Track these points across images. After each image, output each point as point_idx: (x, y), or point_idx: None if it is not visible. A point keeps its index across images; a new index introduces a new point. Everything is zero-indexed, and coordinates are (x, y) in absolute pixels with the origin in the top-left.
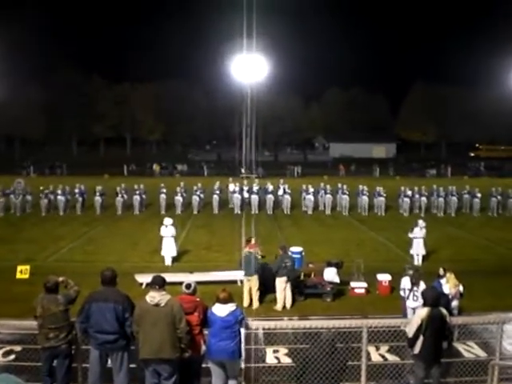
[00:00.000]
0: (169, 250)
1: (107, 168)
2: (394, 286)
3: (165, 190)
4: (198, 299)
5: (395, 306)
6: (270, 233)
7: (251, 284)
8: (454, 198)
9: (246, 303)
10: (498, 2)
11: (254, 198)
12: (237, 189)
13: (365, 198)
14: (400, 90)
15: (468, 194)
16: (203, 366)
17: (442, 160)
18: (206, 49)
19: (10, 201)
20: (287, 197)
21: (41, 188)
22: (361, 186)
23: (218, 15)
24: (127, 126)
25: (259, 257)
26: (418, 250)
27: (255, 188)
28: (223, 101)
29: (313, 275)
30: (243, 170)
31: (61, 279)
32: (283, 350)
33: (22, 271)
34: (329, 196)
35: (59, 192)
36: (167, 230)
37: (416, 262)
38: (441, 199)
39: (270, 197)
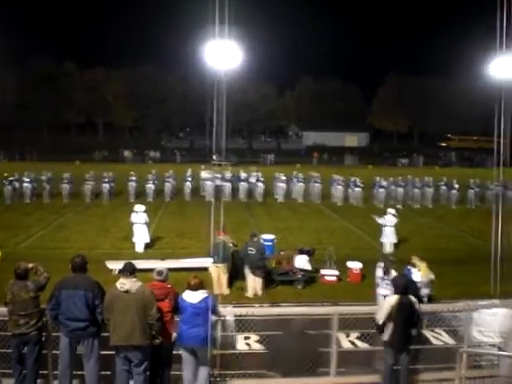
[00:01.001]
0: (141, 236)
1: (79, 154)
2: (365, 273)
3: (134, 178)
4: (169, 286)
5: (366, 293)
6: (243, 220)
7: (220, 271)
8: (430, 189)
9: (216, 290)
10: None
11: (227, 185)
12: (209, 176)
13: (339, 188)
14: (374, 79)
15: (445, 186)
16: (174, 352)
17: (414, 150)
18: (179, 35)
19: None
20: (260, 184)
21: (5, 175)
22: (335, 176)
23: (191, 1)
24: (99, 112)
25: (230, 244)
26: (388, 238)
27: (228, 175)
28: (196, 87)
29: (284, 262)
30: (215, 158)
31: (31, 265)
32: (254, 337)
33: None
34: (301, 184)
35: (25, 179)
36: (138, 216)
37: (387, 250)
38: (416, 190)
39: (243, 184)
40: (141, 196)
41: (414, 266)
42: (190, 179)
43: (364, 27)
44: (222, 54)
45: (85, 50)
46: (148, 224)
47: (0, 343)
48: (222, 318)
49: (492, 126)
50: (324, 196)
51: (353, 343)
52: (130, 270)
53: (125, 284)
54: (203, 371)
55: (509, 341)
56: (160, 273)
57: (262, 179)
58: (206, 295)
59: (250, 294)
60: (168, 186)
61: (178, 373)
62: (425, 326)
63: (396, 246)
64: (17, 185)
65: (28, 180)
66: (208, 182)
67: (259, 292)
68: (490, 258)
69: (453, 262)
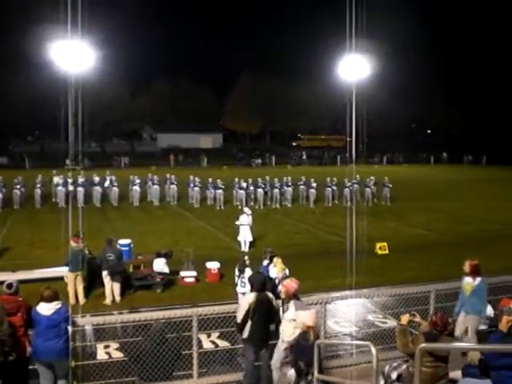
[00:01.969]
0: None
1: None
2: (224, 272)
3: None
4: (20, 299)
5: (225, 292)
6: (98, 226)
7: (76, 280)
8: (290, 189)
9: (72, 300)
10: None
11: (80, 190)
12: (61, 181)
13: (196, 190)
14: (226, 81)
15: (304, 185)
16: (30, 367)
17: (267, 150)
18: (25, 34)
19: None
20: (115, 188)
21: None
22: (191, 177)
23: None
24: None
25: (86, 251)
26: (244, 236)
27: (81, 180)
28: (46, 90)
29: (142, 267)
30: (68, 162)
31: None
32: (114, 345)
33: None
34: (156, 187)
35: None
36: None
37: (243, 248)
38: (276, 190)
39: (97, 189)
40: None
41: (270, 262)
42: (39, 185)
43: (217, 28)
44: (74, 55)
45: None
46: None
47: None
48: (80, 329)
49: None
50: (180, 198)
51: (214, 343)
52: None
53: None
54: None
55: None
56: (10, 286)
57: (116, 183)
58: (60, 306)
59: (108, 301)
60: (17, 194)
61: None
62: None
63: (251, 243)
64: None
65: None
66: (60, 188)
67: (117, 298)
68: (340, 252)
69: (306, 256)
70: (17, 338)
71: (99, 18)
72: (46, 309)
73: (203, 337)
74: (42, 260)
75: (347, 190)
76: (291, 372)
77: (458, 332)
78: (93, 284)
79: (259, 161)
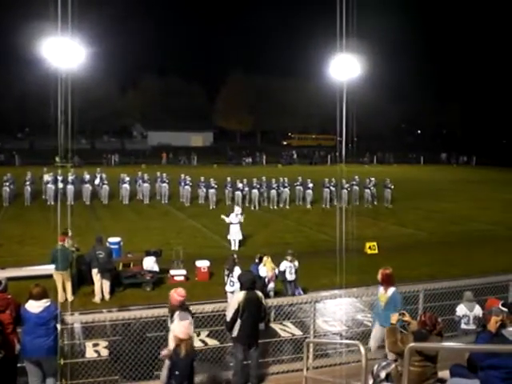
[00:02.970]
0: None
1: None
2: (213, 271)
3: None
4: (9, 296)
5: (214, 290)
6: (88, 224)
7: (64, 278)
8: (287, 190)
9: (61, 298)
10: None
11: (70, 188)
12: (51, 179)
13: (187, 188)
14: (217, 78)
15: (300, 186)
16: (18, 365)
17: (257, 149)
18: (15, 30)
19: None
20: (105, 186)
21: None
22: (183, 176)
23: None
24: None
25: (73, 249)
26: (234, 235)
27: (70, 178)
28: (36, 86)
29: (132, 265)
30: (58, 159)
31: None
32: (103, 343)
33: None
34: (146, 185)
35: None
36: None
37: (233, 247)
38: (273, 191)
39: (87, 186)
40: None
41: (260, 261)
42: (29, 182)
43: (209, 25)
44: (64, 51)
45: None
46: None
47: None
48: (69, 326)
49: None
50: (171, 196)
51: (203, 341)
52: None
53: None
54: (50, 383)
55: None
56: None
57: (106, 181)
58: (49, 304)
59: (97, 299)
60: (6, 191)
61: None
62: (272, 319)
63: (241, 241)
64: None
65: None
66: (50, 185)
67: (107, 296)
68: (329, 251)
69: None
70: (5, 335)
71: (89, 15)
72: (34, 306)
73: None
74: (32, 257)
75: (345, 191)
76: None
77: (371, 345)
78: (82, 282)
79: (250, 159)
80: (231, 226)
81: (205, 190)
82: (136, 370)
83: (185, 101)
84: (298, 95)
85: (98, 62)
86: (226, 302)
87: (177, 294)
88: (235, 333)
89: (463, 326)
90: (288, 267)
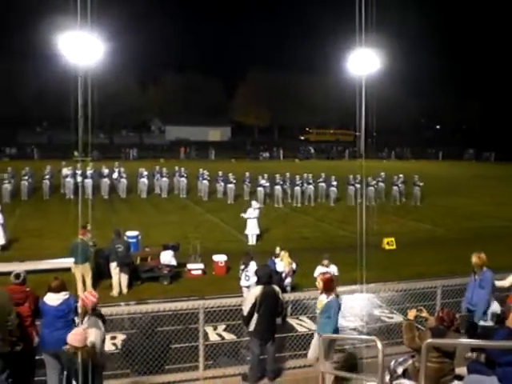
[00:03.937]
0: None
1: None
2: (230, 265)
3: None
4: (28, 289)
5: (231, 285)
6: (106, 217)
7: (83, 271)
8: (311, 187)
9: (80, 291)
10: None
11: (88, 181)
12: (69, 173)
13: (205, 183)
14: (235, 74)
15: (323, 183)
16: (36, 357)
17: (275, 143)
18: (39, 25)
19: None
20: (123, 180)
21: None
22: (201, 170)
23: None
24: None
25: (91, 243)
26: (251, 230)
27: (89, 172)
28: (55, 81)
29: (149, 259)
30: (76, 153)
31: None
32: (121, 336)
33: None
34: (165, 179)
35: None
36: None
37: (250, 242)
38: (297, 188)
39: (106, 180)
40: None
41: (277, 256)
42: (48, 176)
43: (227, 20)
44: (84, 46)
45: None
46: (4, 225)
47: None
48: None
49: (348, 119)
50: (189, 191)
51: (220, 335)
52: None
53: None
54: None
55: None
56: (17, 276)
57: (125, 175)
58: (68, 296)
59: (115, 292)
60: (25, 185)
61: (42, 378)
62: (289, 314)
63: (258, 236)
64: None
65: None
66: (68, 179)
67: (125, 290)
68: (349, 247)
69: (313, 250)
70: (24, 328)
71: (109, 9)
72: (53, 299)
73: (210, 329)
74: (50, 251)
75: (372, 188)
76: None
77: (309, 356)
78: (100, 275)
79: (267, 154)
80: (248, 220)
81: (223, 184)
82: (147, 363)
83: (203, 96)
84: (317, 90)
85: (118, 58)
86: (242, 296)
87: (92, 296)
88: (252, 327)
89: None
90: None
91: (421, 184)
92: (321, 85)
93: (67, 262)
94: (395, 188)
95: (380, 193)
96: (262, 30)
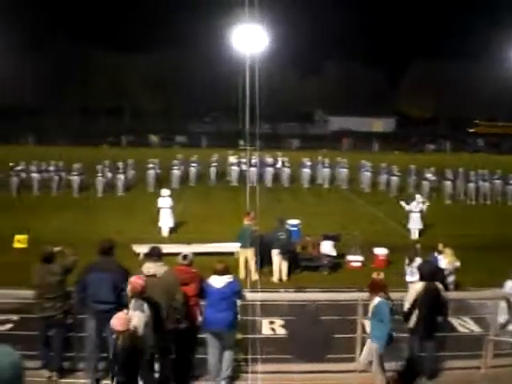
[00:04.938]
0: (166, 220)
1: (106, 139)
2: (391, 259)
3: (152, 166)
4: (194, 270)
5: (391, 280)
6: (268, 206)
7: (248, 256)
8: (486, 184)
9: (242, 275)
10: None
11: (253, 170)
12: (235, 161)
13: (367, 174)
14: (400, 63)
15: (499, 180)
16: (199, 336)
17: (441, 135)
18: (206, 18)
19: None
20: (286, 170)
21: (10, 165)
22: (363, 161)
23: None
24: (125, 97)
25: (254, 229)
26: (414, 224)
27: (253, 160)
28: (223, 72)
29: (310, 248)
30: (242, 142)
31: (57, 249)
32: (279, 322)
33: (20, 241)
34: (327, 169)
35: (33, 169)
36: (164, 200)
37: (413, 237)
38: (471, 185)
39: (270, 169)
40: (165, 181)
41: (440, 252)
42: (215, 164)
43: (391, 9)
44: (249, 38)
45: (108, 35)
46: (173, 208)
47: (28, 326)
48: (249, 303)
49: None
50: (350, 182)
51: None
52: (156, 254)
53: (151, 268)
54: (228, 355)
55: None
56: (185, 257)
57: (288, 165)
58: (231, 280)
59: (275, 279)
60: (193, 171)
61: (202, 356)
62: (451, 313)
63: (422, 232)
64: (24, 175)
65: (36, 170)
66: (234, 167)
67: (284, 277)
68: None
69: (478, 249)
70: (189, 307)
71: (276, 2)
72: (218, 281)
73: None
74: (214, 235)
75: None
76: None
77: (361, 360)
78: (261, 261)
79: (433, 146)
80: (411, 214)
81: (386, 176)
82: (310, 350)
83: (366, 86)
84: (486, 81)
85: (282, 49)
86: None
87: (140, 280)
88: (412, 324)
89: None
90: None
91: None
92: (491, 75)
93: (231, 246)
94: None
95: None
96: (426, 18)
